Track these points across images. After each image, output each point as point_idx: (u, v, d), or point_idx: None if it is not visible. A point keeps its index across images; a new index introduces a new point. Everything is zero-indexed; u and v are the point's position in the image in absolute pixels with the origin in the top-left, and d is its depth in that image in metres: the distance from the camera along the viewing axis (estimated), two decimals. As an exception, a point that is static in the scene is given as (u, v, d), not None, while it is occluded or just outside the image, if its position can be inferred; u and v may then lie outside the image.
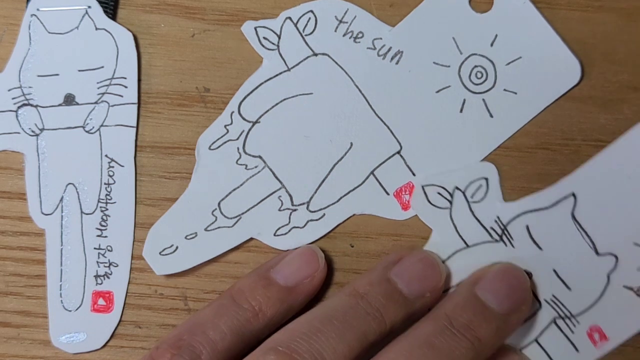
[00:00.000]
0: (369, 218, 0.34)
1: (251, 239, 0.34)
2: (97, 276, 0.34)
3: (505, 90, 0.34)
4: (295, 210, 0.34)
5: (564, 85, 0.34)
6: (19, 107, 0.34)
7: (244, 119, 0.34)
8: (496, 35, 0.34)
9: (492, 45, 0.34)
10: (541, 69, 0.34)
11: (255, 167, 0.34)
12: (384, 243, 0.34)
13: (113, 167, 0.34)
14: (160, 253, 0.34)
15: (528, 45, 0.34)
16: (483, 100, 0.34)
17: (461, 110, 0.34)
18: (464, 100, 0.34)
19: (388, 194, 0.34)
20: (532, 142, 0.34)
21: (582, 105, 0.34)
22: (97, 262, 0.34)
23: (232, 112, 0.34)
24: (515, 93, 0.34)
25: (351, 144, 0.34)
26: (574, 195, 0.34)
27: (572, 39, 0.34)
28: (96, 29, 0.34)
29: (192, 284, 0.34)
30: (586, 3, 0.35)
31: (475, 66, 0.34)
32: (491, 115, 0.34)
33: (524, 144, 0.34)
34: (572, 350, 0.34)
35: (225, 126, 0.34)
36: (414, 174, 0.34)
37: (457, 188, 0.34)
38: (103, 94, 0.34)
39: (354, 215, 0.34)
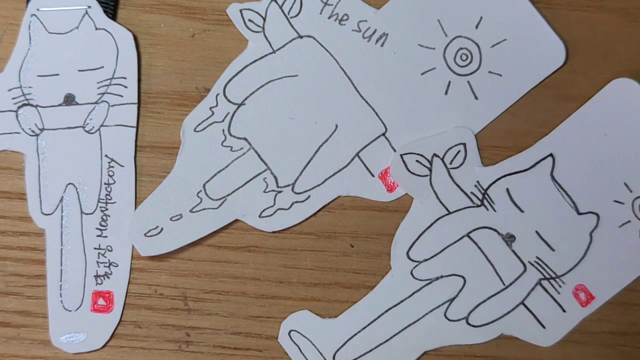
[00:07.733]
0: (369, 218, 0.34)
1: (236, 220, 0.34)
2: (97, 276, 0.34)
3: (490, 72, 0.34)
4: (280, 191, 0.34)
5: (548, 68, 0.34)
6: (19, 107, 0.34)
7: (229, 101, 0.34)
8: (481, 17, 0.34)
9: (477, 27, 0.34)
10: (526, 51, 0.34)
11: (241, 149, 0.34)
12: (384, 243, 0.34)
13: (113, 167, 0.34)
14: (145, 234, 0.34)
15: (513, 27, 0.34)
16: (468, 82, 0.34)
17: (446, 93, 0.34)
18: (449, 82, 0.34)
19: (373, 175, 0.34)
20: (532, 142, 0.34)
21: (582, 105, 0.34)
22: (97, 262, 0.34)
23: (218, 94, 0.34)
24: (500, 75, 0.34)
25: (336, 125, 0.34)
26: (552, 155, 0.34)
27: (572, 39, 0.34)
28: (96, 29, 0.34)
29: (192, 284, 0.34)
30: (586, 3, 0.35)
31: (460, 48, 0.34)
32: (476, 97, 0.34)
33: (525, 143, 0.34)
34: (559, 310, 0.34)
35: (210, 108, 0.34)
36: (399, 156, 0.34)
37: (436, 155, 0.34)
38: (103, 94, 0.34)
39: (339, 196, 0.34)
